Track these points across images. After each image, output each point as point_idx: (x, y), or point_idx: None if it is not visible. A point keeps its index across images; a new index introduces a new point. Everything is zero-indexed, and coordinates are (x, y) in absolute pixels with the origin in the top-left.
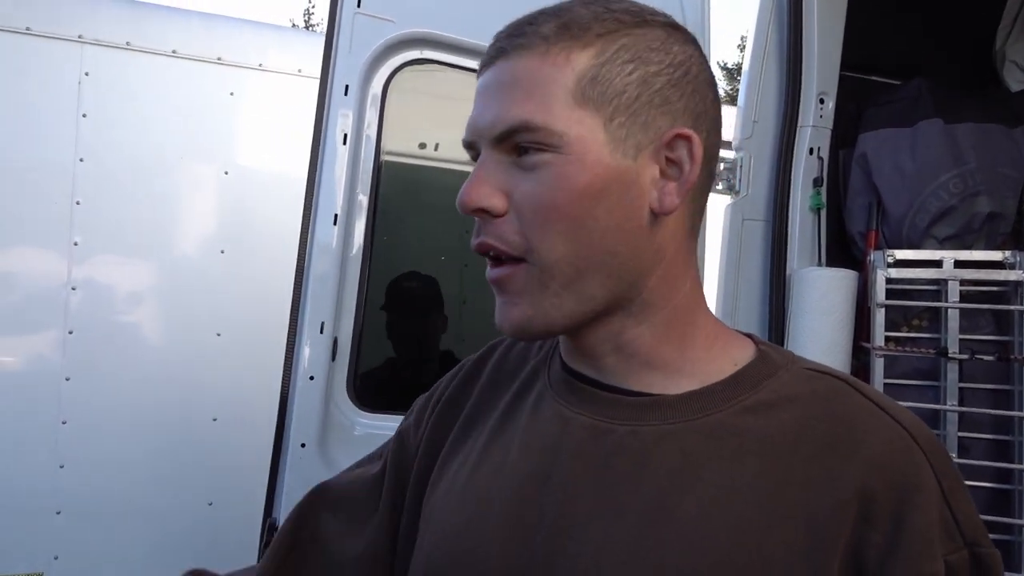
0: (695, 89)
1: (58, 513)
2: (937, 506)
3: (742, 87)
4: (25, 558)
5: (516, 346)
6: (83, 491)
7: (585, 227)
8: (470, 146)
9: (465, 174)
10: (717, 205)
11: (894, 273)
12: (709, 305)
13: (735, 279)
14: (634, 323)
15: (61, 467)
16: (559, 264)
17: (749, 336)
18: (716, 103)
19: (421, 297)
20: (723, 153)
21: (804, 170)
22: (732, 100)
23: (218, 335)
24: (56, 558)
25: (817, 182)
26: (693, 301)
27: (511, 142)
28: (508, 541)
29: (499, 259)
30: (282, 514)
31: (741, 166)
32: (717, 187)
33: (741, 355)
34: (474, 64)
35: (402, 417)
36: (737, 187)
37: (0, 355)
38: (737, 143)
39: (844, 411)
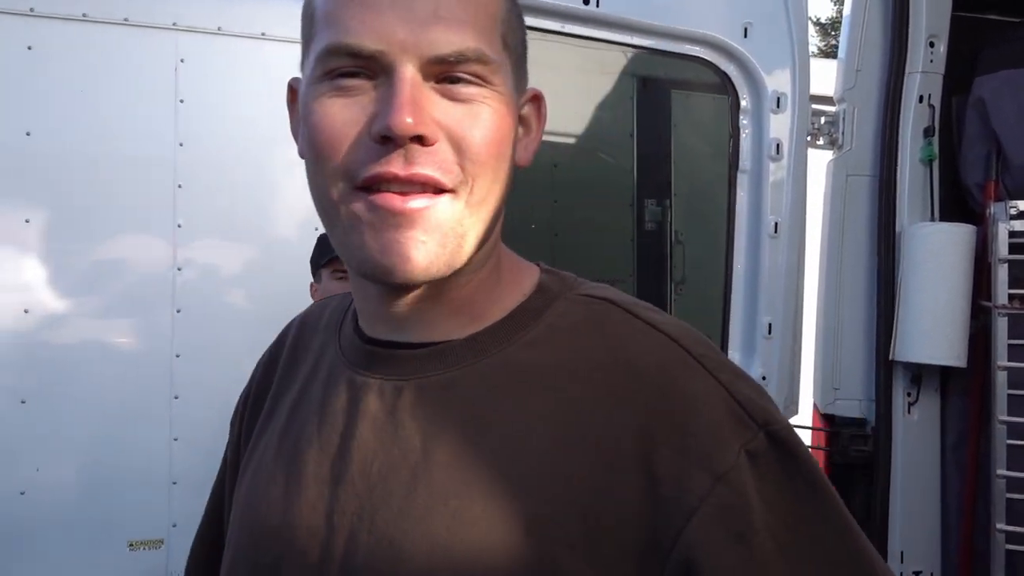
0: None
1: (174, 483)
2: (721, 402)
3: (843, 34)
4: (147, 526)
5: (308, 321)
6: (196, 462)
7: (506, 169)
8: (358, 55)
9: (550, 145)
10: (819, 161)
11: (1018, 225)
12: (811, 265)
13: (839, 238)
14: (471, 270)
15: (175, 440)
16: (487, 201)
17: (538, 265)
18: None
19: None
20: (824, 107)
21: (914, 120)
22: (826, 55)
23: None
24: (175, 526)
25: (928, 132)
26: (498, 241)
27: (446, 67)
28: (311, 516)
29: (408, 190)
30: None
31: (844, 119)
32: (818, 142)
33: (528, 286)
34: (548, 25)
35: None
36: (840, 141)
37: (114, 336)
38: (839, 95)
39: (618, 333)
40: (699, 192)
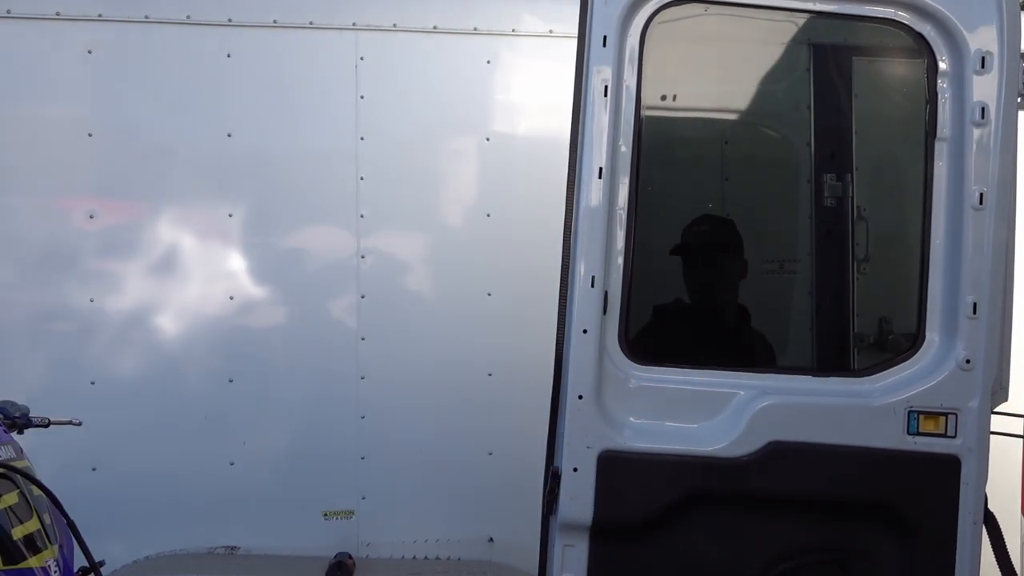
0: None
1: (362, 458)
2: None
3: None
4: (339, 497)
5: None
6: (382, 439)
7: None
8: None
9: (720, 122)
10: None
11: None
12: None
13: None
14: None
15: (362, 417)
16: None
17: None
18: None
19: (697, 246)
20: None
21: None
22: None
23: (489, 295)
24: (364, 497)
25: None
26: None
27: None
28: None
29: None
30: (564, 462)
31: None
32: None
33: None
34: None
35: (675, 371)
36: None
37: (303, 319)
38: None
39: None
40: (885, 164)
